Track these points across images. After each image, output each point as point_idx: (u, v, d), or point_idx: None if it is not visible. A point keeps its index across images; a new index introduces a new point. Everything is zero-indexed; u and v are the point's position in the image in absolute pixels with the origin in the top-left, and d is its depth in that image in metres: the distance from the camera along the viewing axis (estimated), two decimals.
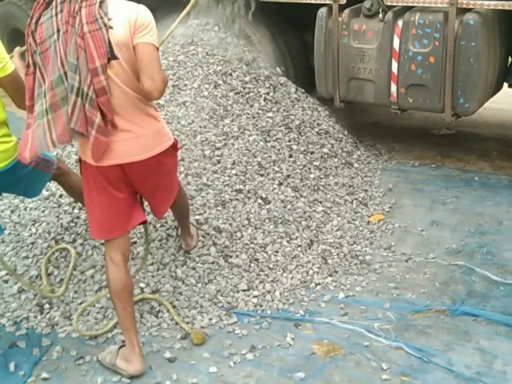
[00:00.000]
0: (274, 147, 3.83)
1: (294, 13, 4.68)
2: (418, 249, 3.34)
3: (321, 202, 3.66)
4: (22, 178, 2.52)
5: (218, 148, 3.59)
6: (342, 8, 4.16)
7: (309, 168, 3.86)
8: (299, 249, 3.23)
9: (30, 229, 3.20)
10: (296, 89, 4.42)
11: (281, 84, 4.32)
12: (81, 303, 2.82)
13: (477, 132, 5.06)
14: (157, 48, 2.21)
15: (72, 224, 3.16)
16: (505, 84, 4.46)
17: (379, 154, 4.64)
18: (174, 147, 2.46)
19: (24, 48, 2.46)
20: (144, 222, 2.53)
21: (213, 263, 3.01)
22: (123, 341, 2.51)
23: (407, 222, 3.64)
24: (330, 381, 2.40)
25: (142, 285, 2.87)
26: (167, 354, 2.55)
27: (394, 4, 4.00)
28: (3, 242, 3.19)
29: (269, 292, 2.93)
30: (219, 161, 3.51)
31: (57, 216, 3.21)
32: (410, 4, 3.94)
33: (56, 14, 2.11)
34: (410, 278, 3.08)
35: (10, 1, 6.14)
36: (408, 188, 4.10)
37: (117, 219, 2.38)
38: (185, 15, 4.25)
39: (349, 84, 4.27)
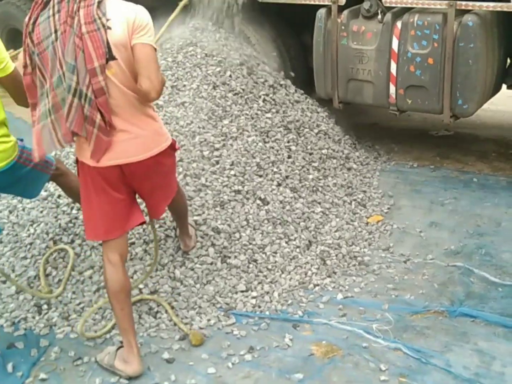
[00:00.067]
0: (273, 148, 3.83)
1: (293, 14, 4.68)
2: (417, 250, 3.34)
3: (319, 203, 3.66)
4: (21, 178, 2.52)
5: (217, 149, 3.59)
6: (341, 9, 4.16)
7: (308, 169, 3.86)
8: (297, 250, 3.23)
9: (28, 230, 3.19)
10: (295, 90, 4.42)
11: (280, 85, 4.33)
12: (79, 303, 2.82)
13: (476, 134, 5.06)
14: (155, 49, 2.21)
15: (70, 225, 3.15)
16: (504, 86, 4.47)
17: (378, 155, 4.64)
18: (172, 148, 2.46)
19: (18, 50, 2.46)
20: (143, 223, 2.53)
21: (211, 264, 3.01)
22: (121, 342, 2.50)
23: (406, 223, 3.64)
24: (329, 382, 2.40)
25: (140, 285, 2.86)
26: (166, 355, 2.55)
27: (393, 5, 4.00)
28: (1, 242, 3.19)
29: (267, 293, 2.93)
30: (217, 162, 3.51)
31: (56, 217, 3.20)
32: (409, 6, 3.93)
33: (54, 14, 2.10)
34: (409, 279, 3.08)
35: (9, 1, 6.14)
36: (406, 189, 4.11)
37: (115, 220, 2.38)
38: (177, 15, 4.27)
39: (348, 85, 4.27)
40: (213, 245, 3.08)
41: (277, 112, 4.08)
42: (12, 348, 2.65)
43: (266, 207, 3.39)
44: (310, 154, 3.98)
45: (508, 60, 4.41)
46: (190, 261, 3.00)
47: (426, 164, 4.48)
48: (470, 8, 3.73)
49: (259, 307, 2.85)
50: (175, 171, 2.62)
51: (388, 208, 3.83)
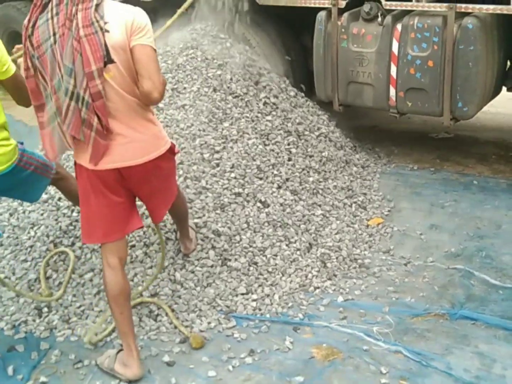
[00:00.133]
0: (273, 150, 3.83)
1: (293, 16, 4.68)
2: (417, 253, 3.35)
3: (320, 206, 3.66)
4: (21, 182, 2.52)
5: (217, 152, 3.59)
6: (341, 11, 4.16)
7: (308, 172, 3.86)
8: (298, 252, 3.23)
9: (28, 232, 3.19)
10: (296, 93, 4.42)
11: (281, 88, 4.33)
12: (80, 306, 2.82)
13: (476, 136, 5.07)
14: (155, 50, 2.19)
15: (71, 227, 3.15)
16: (504, 88, 4.47)
17: (378, 157, 4.64)
18: (171, 151, 2.45)
19: (19, 52, 2.46)
20: (141, 227, 2.52)
21: (212, 266, 3.00)
22: (122, 345, 2.50)
23: (406, 226, 3.64)
24: None
25: (140, 288, 2.86)
26: (166, 358, 2.55)
27: (393, 8, 4.01)
28: (1, 245, 3.19)
29: (268, 295, 2.93)
30: (218, 165, 3.51)
31: (56, 219, 3.21)
32: (409, 8, 3.94)
33: (52, 17, 2.10)
34: (409, 281, 3.08)
35: (9, 4, 6.15)
36: (407, 192, 4.11)
37: (114, 223, 2.37)
38: (179, 15, 4.27)
39: (348, 87, 4.27)
40: (213, 247, 3.08)
41: (277, 114, 4.08)
42: (13, 351, 2.64)
43: (266, 210, 3.39)
44: (311, 156, 3.98)
45: (508, 63, 4.42)
46: (190, 264, 3.00)
47: (426, 166, 4.48)
48: (470, 10, 3.74)
49: (260, 310, 2.85)
50: (175, 175, 2.61)
51: (389, 211, 3.83)
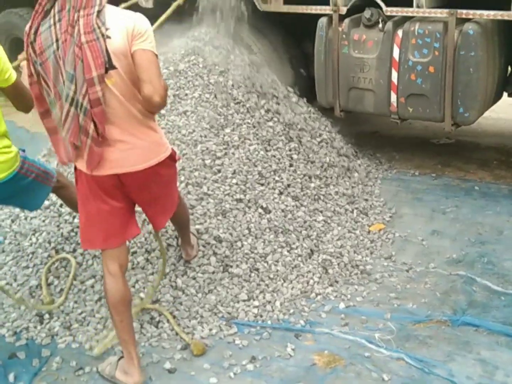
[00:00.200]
0: (274, 156, 3.83)
1: (295, 23, 4.69)
2: (419, 259, 3.34)
3: (321, 212, 3.66)
4: (22, 190, 2.51)
5: (219, 158, 3.60)
6: (342, 18, 4.17)
7: (309, 178, 3.86)
8: (299, 258, 3.23)
9: (30, 239, 3.19)
10: (297, 99, 4.43)
11: (283, 94, 4.33)
12: (81, 313, 2.82)
13: (477, 142, 5.07)
14: (156, 55, 2.19)
15: (72, 234, 3.15)
16: (505, 94, 4.47)
17: (379, 163, 4.64)
18: (172, 158, 2.43)
19: (21, 58, 2.47)
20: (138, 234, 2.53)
21: (213, 273, 3.00)
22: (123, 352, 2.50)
23: (408, 232, 3.64)
24: None
25: (142, 295, 2.86)
26: (167, 365, 2.54)
27: (394, 14, 4.02)
28: (3, 251, 3.19)
29: (269, 302, 2.92)
30: (219, 171, 3.51)
31: (58, 226, 3.21)
32: (410, 14, 3.95)
33: (55, 24, 2.10)
34: (411, 288, 3.08)
35: (12, 11, 6.17)
36: (408, 198, 4.11)
37: (113, 228, 2.36)
38: (170, 16, 4.28)
39: (349, 93, 4.28)
40: (215, 254, 3.08)
41: (279, 120, 4.08)
42: (14, 358, 2.64)
43: (268, 216, 3.39)
44: (312, 162, 3.98)
45: (509, 68, 4.43)
46: (192, 270, 3.00)
47: (427, 172, 4.49)
48: (470, 16, 3.74)
49: (261, 316, 2.85)
50: (175, 182, 2.60)
51: (390, 217, 3.83)
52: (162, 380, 2.48)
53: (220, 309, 2.85)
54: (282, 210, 3.49)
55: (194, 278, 2.97)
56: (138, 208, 2.53)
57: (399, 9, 3.98)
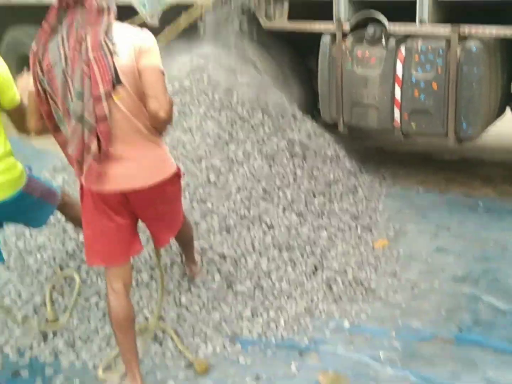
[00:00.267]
0: (278, 172, 3.84)
1: (299, 39, 4.73)
2: (423, 276, 3.33)
3: (325, 228, 3.66)
4: (27, 208, 2.51)
5: (223, 174, 3.61)
6: (345, 34, 4.20)
7: (313, 194, 3.87)
8: (303, 275, 3.22)
9: (35, 256, 3.20)
10: (301, 115, 4.45)
11: (287, 110, 4.36)
12: (85, 330, 2.81)
13: (481, 157, 5.07)
14: (162, 71, 2.20)
15: (77, 251, 3.16)
16: (508, 109, 4.48)
17: (383, 179, 4.65)
18: (177, 175, 2.44)
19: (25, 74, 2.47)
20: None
21: (217, 290, 3.00)
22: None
23: (412, 248, 3.63)
24: None
25: (146, 311, 2.86)
26: (171, 383, 2.53)
27: (397, 30, 4.04)
28: (8, 268, 3.19)
29: (273, 320, 2.91)
30: (224, 187, 3.52)
31: (63, 243, 3.21)
32: (413, 32, 3.97)
33: (63, 41, 2.11)
34: (416, 305, 3.06)
35: (19, 28, 6.24)
36: (412, 214, 4.10)
37: (118, 245, 2.36)
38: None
39: (353, 109, 4.30)
40: (219, 271, 3.08)
41: (283, 137, 4.10)
42: (17, 377, 2.63)
43: (272, 232, 3.39)
44: (316, 178, 3.99)
45: None
46: (196, 287, 3.00)
47: (431, 188, 4.48)
48: (473, 32, 3.76)
49: (265, 334, 2.83)
50: (180, 199, 2.59)
51: (394, 233, 3.82)
52: None
53: (224, 327, 2.84)
54: (286, 226, 3.49)
55: (198, 295, 2.96)
56: (140, 224, 2.53)
57: (402, 25, 4.01)
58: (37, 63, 2.16)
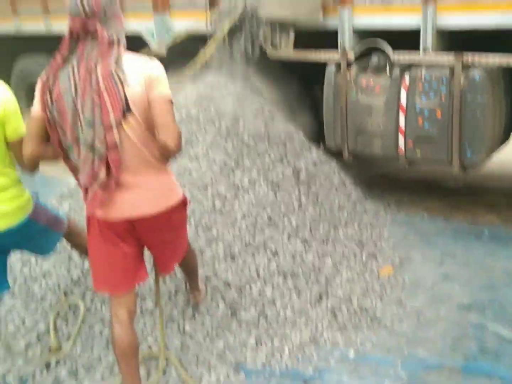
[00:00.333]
0: (283, 199, 3.85)
1: (304, 68, 4.79)
2: (429, 304, 3.31)
3: (330, 255, 3.66)
4: (33, 235, 2.53)
5: (229, 200, 3.63)
6: (350, 64, 4.26)
7: (318, 221, 3.87)
8: (308, 303, 3.21)
9: (40, 283, 3.21)
10: (307, 143, 4.48)
11: (292, 138, 4.39)
12: (88, 359, 2.80)
13: (486, 185, 5.07)
14: (171, 101, 2.23)
15: (82, 278, 3.17)
16: None
17: (388, 206, 4.65)
18: (183, 203, 2.46)
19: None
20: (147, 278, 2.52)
21: (221, 318, 2.99)
22: None
23: (417, 276, 3.61)
24: None
25: (150, 339, 2.85)
26: None
27: (401, 59, 4.09)
28: (13, 295, 3.20)
29: (278, 348, 2.90)
30: (229, 214, 3.54)
31: (68, 270, 3.22)
32: (417, 61, 4.02)
33: (73, 71, 2.15)
34: (421, 334, 3.04)
35: (29, 57, 6.35)
36: (417, 241, 4.09)
37: (124, 273, 2.37)
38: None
39: (358, 137, 4.33)
40: (223, 298, 3.07)
41: (289, 164, 4.12)
42: None
43: (276, 259, 3.39)
44: (321, 205, 4.00)
45: None
46: (200, 315, 2.99)
47: (436, 215, 4.48)
48: (476, 61, 3.80)
49: (270, 363, 2.82)
50: (186, 227, 2.61)
51: (399, 260, 3.81)
52: None
53: (228, 355, 2.83)
54: (291, 253, 3.49)
55: (202, 323, 2.96)
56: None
57: (406, 54, 4.06)
58: (47, 92, 2.19)
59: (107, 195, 2.20)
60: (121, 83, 2.12)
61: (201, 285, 3.02)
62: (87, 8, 2.12)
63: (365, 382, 2.67)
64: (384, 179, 5.29)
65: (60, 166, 2.39)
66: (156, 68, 2.23)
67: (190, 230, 3.25)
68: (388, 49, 4.10)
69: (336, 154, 4.58)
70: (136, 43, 3.95)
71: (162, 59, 2.33)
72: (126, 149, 2.19)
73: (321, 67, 4.44)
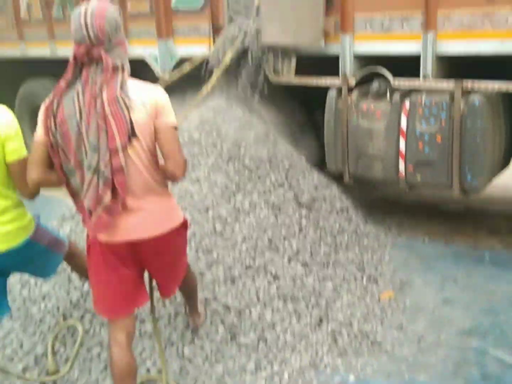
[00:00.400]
0: (284, 222, 3.86)
1: (305, 93, 4.84)
2: (430, 329, 3.28)
3: (331, 278, 3.65)
4: (34, 257, 2.53)
5: (229, 223, 3.63)
6: (351, 89, 4.31)
7: (319, 244, 3.87)
8: (308, 327, 3.19)
9: (39, 305, 3.20)
10: (308, 166, 4.50)
11: (293, 161, 4.41)
12: (86, 382, 2.78)
13: (486, 209, 5.07)
14: (176, 128, 2.26)
15: (81, 300, 3.16)
16: None
17: (389, 229, 4.65)
18: (184, 226, 2.48)
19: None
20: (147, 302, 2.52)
21: (221, 342, 2.97)
22: None
23: (418, 300, 3.59)
24: None
25: (148, 363, 2.83)
26: None
27: (401, 85, 4.13)
28: (11, 318, 3.18)
29: (277, 373, 2.87)
30: (229, 236, 3.54)
31: (67, 292, 3.22)
32: (417, 87, 4.06)
33: (78, 96, 2.17)
34: (422, 359, 3.01)
35: (35, 81, 6.42)
36: (418, 265, 4.08)
37: (123, 298, 2.37)
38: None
39: (358, 161, 4.35)
40: (222, 322, 3.06)
41: (290, 187, 4.14)
42: None
43: (276, 283, 3.38)
44: (322, 229, 4.01)
45: None
46: (199, 339, 2.98)
47: (437, 239, 4.47)
48: (476, 87, 3.84)
49: None
50: (186, 249, 2.61)
51: (400, 284, 3.80)
52: None
53: (227, 380, 2.80)
54: (291, 277, 3.48)
55: (201, 347, 2.94)
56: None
57: (406, 80, 4.10)
58: (51, 116, 2.20)
59: (111, 218, 2.21)
60: (127, 108, 2.15)
61: (200, 308, 3.01)
62: (92, 35, 2.15)
63: None
64: (384, 203, 5.29)
65: (60, 189, 2.40)
66: (161, 95, 2.26)
67: (190, 252, 3.26)
68: (388, 75, 4.14)
69: (337, 178, 4.60)
70: (139, 68, 4.00)
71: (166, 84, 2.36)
72: (131, 173, 2.21)
73: (322, 92, 4.48)
